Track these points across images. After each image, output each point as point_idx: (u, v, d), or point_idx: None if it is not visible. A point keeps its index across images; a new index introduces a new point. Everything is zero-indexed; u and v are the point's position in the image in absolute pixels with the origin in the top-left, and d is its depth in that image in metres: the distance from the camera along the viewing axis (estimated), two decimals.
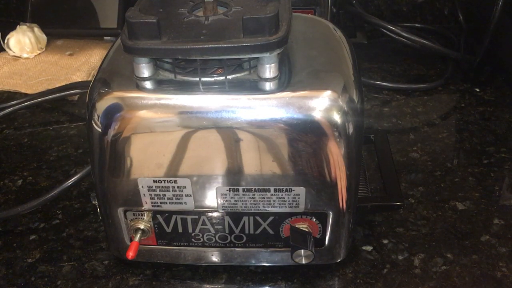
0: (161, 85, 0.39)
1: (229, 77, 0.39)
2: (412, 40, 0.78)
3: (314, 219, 0.44)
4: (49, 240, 0.53)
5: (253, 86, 0.39)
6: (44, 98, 0.74)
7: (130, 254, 0.43)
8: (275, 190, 0.41)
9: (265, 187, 0.41)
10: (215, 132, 0.39)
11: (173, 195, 0.42)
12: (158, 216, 0.44)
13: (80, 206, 0.57)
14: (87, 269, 0.49)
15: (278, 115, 0.38)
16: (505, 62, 0.79)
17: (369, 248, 0.50)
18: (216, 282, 0.48)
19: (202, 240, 0.46)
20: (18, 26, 0.89)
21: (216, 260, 0.48)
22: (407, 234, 0.52)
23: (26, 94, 0.78)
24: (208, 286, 0.47)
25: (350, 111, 0.39)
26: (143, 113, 0.38)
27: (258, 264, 0.48)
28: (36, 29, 0.89)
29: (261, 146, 0.39)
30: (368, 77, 0.79)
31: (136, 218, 0.44)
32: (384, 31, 0.79)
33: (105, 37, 0.94)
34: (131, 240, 0.45)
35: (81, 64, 0.86)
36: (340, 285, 0.47)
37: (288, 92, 0.38)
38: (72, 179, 0.54)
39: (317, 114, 0.38)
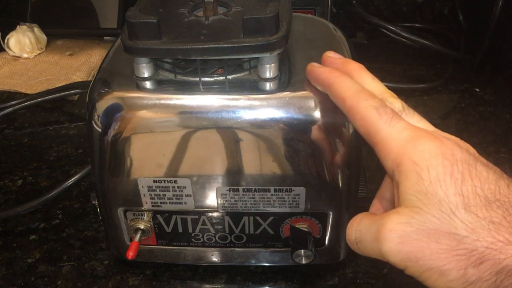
0: (161, 85, 0.39)
1: (229, 77, 0.39)
2: (412, 40, 0.78)
3: (314, 219, 0.44)
4: (49, 240, 0.53)
5: (253, 86, 0.39)
6: (44, 98, 0.74)
7: (130, 254, 0.43)
8: (275, 190, 0.41)
9: (265, 187, 0.41)
10: (215, 132, 0.38)
11: (173, 195, 0.42)
12: (158, 216, 0.44)
13: (80, 206, 0.57)
14: (87, 269, 0.49)
15: (278, 115, 0.38)
16: (505, 62, 0.79)
17: None
18: (216, 282, 0.48)
19: (202, 240, 0.46)
20: (18, 26, 0.89)
21: (216, 260, 0.48)
22: None
23: (26, 94, 0.78)
24: (208, 286, 0.47)
25: None
26: (143, 113, 0.38)
27: (258, 264, 0.48)
28: (36, 29, 0.89)
29: (261, 146, 0.39)
30: None
31: (136, 218, 0.44)
32: (384, 31, 0.79)
33: (105, 37, 0.94)
34: (131, 240, 0.45)
35: (81, 64, 0.86)
36: (340, 285, 0.47)
37: (288, 92, 0.38)
38: (72, 179, 0.54)
39: (317, 114, 0.38)
